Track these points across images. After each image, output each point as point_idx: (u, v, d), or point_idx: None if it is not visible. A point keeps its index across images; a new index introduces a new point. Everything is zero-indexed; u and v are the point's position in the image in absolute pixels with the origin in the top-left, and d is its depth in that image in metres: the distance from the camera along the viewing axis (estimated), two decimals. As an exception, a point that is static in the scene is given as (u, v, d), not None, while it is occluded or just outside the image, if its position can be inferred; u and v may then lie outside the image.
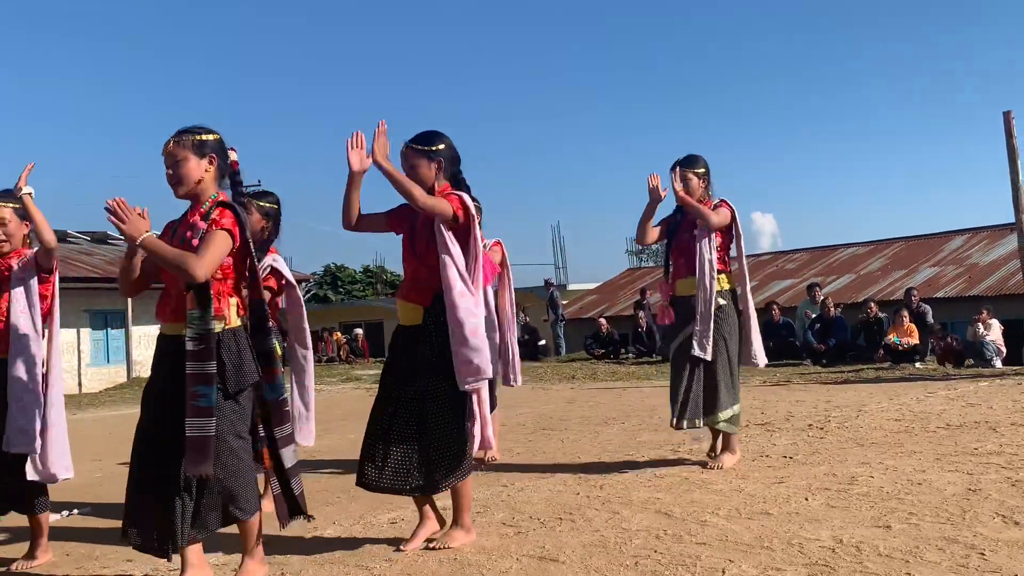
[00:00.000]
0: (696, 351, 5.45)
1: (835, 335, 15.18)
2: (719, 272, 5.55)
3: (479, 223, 4.18)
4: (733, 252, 5.74)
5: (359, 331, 24.34)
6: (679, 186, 5.51)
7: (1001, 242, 22.34)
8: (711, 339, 5.46)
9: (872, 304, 15.34)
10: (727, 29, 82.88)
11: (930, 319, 14.54)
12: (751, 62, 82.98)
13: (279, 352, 3.81)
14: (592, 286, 33.56)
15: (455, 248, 3.93)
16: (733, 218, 5.63)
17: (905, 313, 13.56)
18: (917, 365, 12.86)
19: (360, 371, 20.82)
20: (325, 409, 12.61)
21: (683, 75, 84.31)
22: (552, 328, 23.20)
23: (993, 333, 12.72)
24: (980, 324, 12.79)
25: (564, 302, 29.52)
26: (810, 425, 7.20)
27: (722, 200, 5.64)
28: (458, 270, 3.90)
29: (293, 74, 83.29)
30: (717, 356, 5.51)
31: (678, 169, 5.61)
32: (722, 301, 5.55)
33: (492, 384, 5.45)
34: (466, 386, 3.88)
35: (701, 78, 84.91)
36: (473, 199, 4.17)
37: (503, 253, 6.24)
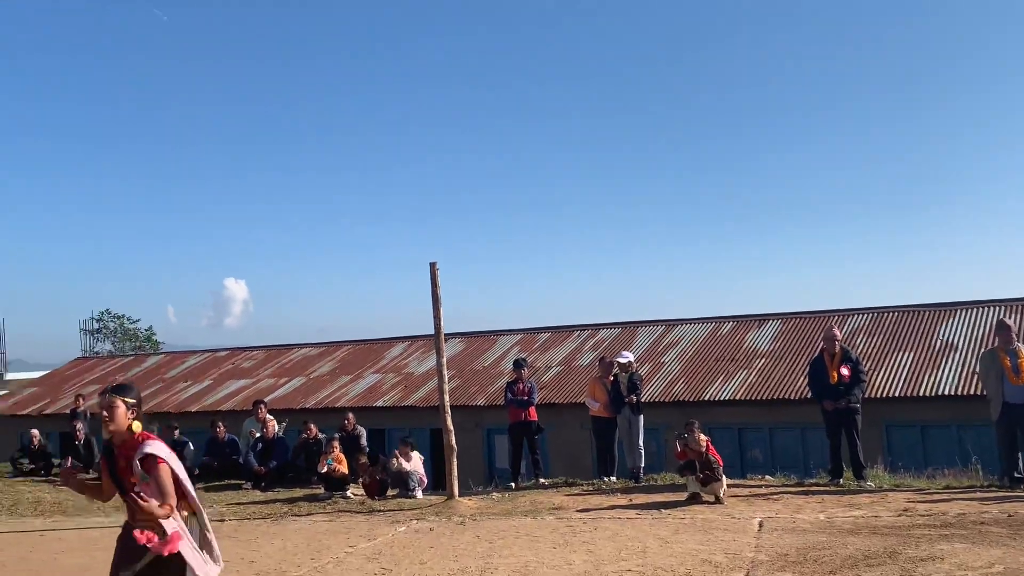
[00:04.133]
0: None
1: (276, 457, 15.40)
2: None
3: None
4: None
5: None
6: None
7: (434, 351, 24.40)
8: None
9: (311, 426, 15.82)
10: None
11: (363, 442, 15.37)
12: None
13: None
14: (39, 374, 30.77)
15: None
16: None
17: (336, 443, 14.13)
18: (349, 494, 13.46)
19: None
20: None
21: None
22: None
23: (414, 464, 13.73)
24: (400, 457, 13.73)
25: (2, 393, 26.74)
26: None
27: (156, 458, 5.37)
28: None
29: None
30: None
31: (107, 395, 5.43)
32: None
33: None
34: None
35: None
36: None
37: None
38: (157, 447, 5.23)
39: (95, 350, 44.63)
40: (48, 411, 25.81)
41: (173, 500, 5.14)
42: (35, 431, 18.93)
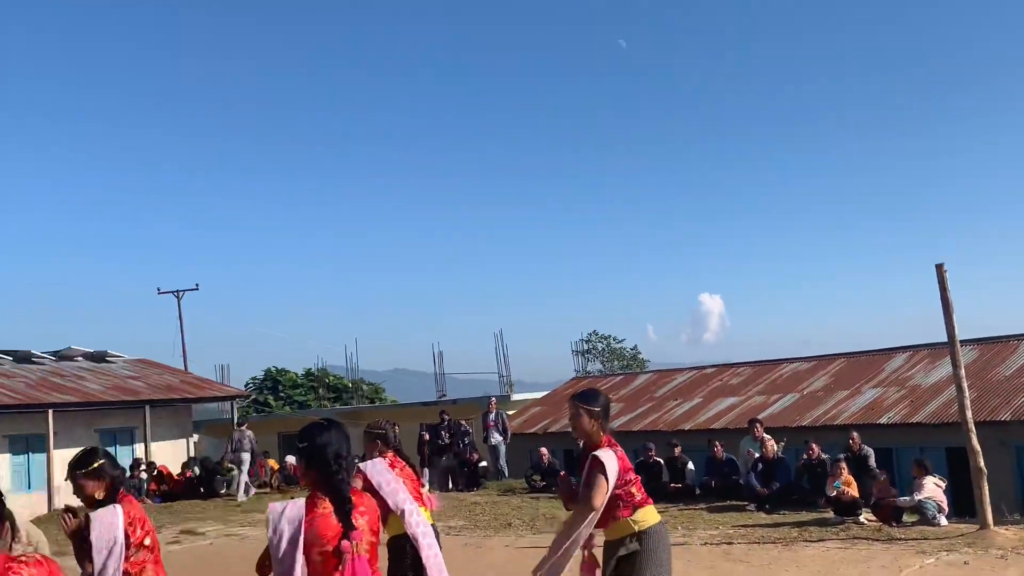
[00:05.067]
0: None
1: (778, 478, 14.75)
2: (619, 519, 5.17)
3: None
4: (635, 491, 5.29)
5: (291, 459, 23.10)
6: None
7: (942, 362, 21.90)
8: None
9: (813, 446, 14.96)
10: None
11: (872, 463, 14.19)
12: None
13: None
14: (539, 395, 32.96)
15: None
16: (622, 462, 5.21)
17: (843, 464, 13.13)
18: (862, 519, 12.43)
19: (291, 504, 19.81)
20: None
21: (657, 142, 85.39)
22: (493, 449, 22.43)
23: (928, 491, 12.23)
24: (919, 480, 12.39)
25: (510, 412, 28.97)
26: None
27: (596, 461, 5.12)
28: None
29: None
30: None
31: (570, 402, 5.41)
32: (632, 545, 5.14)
33: None
34: None
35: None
36: None
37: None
38: (606, 454, 5.10)
39: (587, 370, 47.07)
40: (552, 429, 27.38)
41: (593, 499, 5.01)
42: (544, 449, 20.05)
